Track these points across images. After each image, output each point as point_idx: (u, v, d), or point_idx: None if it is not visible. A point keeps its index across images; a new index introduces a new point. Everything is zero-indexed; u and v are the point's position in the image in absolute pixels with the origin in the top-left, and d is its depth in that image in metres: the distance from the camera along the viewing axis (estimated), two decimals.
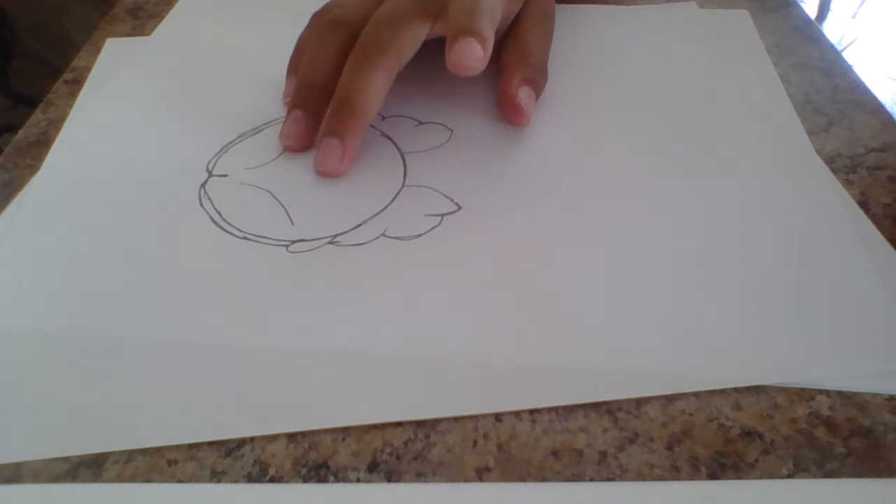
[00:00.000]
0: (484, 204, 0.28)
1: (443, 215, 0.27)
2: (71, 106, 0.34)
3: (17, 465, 0.20)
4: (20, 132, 0.33)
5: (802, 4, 0.44)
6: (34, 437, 0.21)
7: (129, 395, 0.21)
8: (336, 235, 0.27)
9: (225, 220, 0.27)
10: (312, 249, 0.26)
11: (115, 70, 0.37)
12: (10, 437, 0.21)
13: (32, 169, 0.31)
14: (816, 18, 1.87)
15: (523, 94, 0.31)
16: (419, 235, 0.27)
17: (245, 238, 0.27)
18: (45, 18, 0.61)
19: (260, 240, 0.27)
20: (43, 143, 0.32)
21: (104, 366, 0.22)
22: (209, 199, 0.28)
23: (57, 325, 0.24)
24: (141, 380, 0.22)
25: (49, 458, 0.20)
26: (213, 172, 0.30)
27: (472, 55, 0.27)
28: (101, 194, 0.29)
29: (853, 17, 1.90)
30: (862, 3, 1.93)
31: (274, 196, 0.29)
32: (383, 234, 0.27)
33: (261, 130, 0.32)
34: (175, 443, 0.20)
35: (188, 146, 0.31)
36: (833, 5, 1.88)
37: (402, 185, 0.29)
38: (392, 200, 0.28)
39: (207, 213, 0.28)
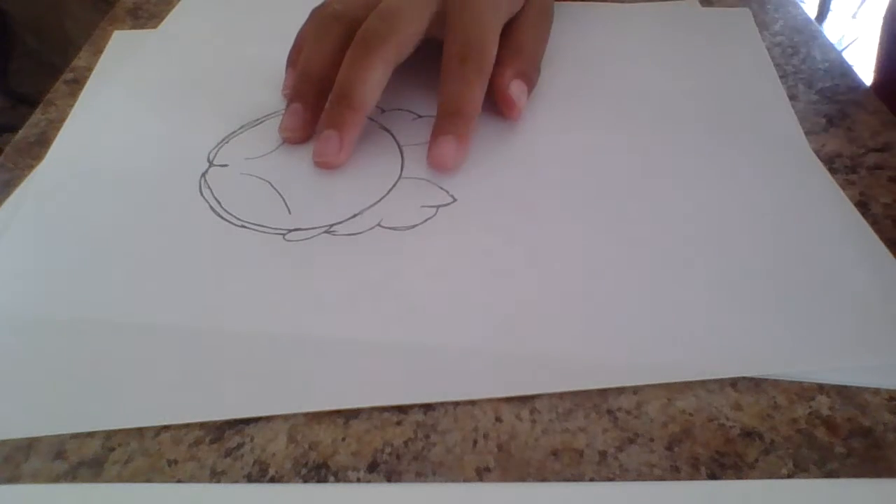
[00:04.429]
0: (479, 196, 0.28)
1: (438, 206, 0.28)
2: (71, 106, 0.34)
3: (17, 465, 0.20)
4: (20, 132, 0.33)
5: (802, 4, 0.44)
6: (40, 415, 0.21)
7: (129, 377, 0.22)
8: (332, 225, 0.27)
9: (224, 209, 0.28)
10: (309, 238, 0.26)
11: (121, 61, 0.37)
12: (18, 414, 0.21)
13: (32, 169, 0.31)
14: (816, 18, 1.86)
15: (515, 88, 0.31)
16: (414, 226, 0.27)
17: (243, 226, 0.27)
18: (45, 18, 0.61)
19: (258, 228, 0.27)
20: (43, 143, 0.32)
21: (105, 349, 0.23)
22: (209, 188, 0.29)
23: (59, 311, 0.24)
24: (141, 363, 0.22)
25: (52, 434, 0.21)
26: (214, 162, 0.30)
27: (447, 156, 0.29)
28: (104, 182, 0.29)
29: (853, 17, 1.90)
30: (862, 3, 1.93)
31: (273, 186, 0.29)
32: (379, 225, 0.27)
33: (261, 122, 0.33)
34: (175, 422, 0.21)
35: (190, 136, 0.32)
36: (833, 5, 1.88)
37: (399, 177, 0.29)
38: (389, 191, 0.28)
39: (207, 201, 0.28)
